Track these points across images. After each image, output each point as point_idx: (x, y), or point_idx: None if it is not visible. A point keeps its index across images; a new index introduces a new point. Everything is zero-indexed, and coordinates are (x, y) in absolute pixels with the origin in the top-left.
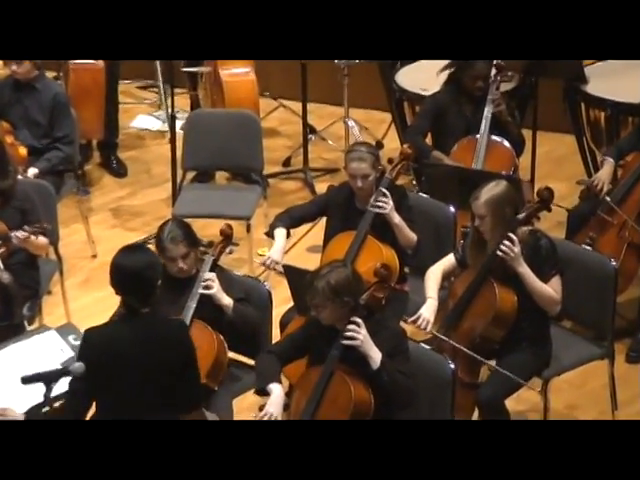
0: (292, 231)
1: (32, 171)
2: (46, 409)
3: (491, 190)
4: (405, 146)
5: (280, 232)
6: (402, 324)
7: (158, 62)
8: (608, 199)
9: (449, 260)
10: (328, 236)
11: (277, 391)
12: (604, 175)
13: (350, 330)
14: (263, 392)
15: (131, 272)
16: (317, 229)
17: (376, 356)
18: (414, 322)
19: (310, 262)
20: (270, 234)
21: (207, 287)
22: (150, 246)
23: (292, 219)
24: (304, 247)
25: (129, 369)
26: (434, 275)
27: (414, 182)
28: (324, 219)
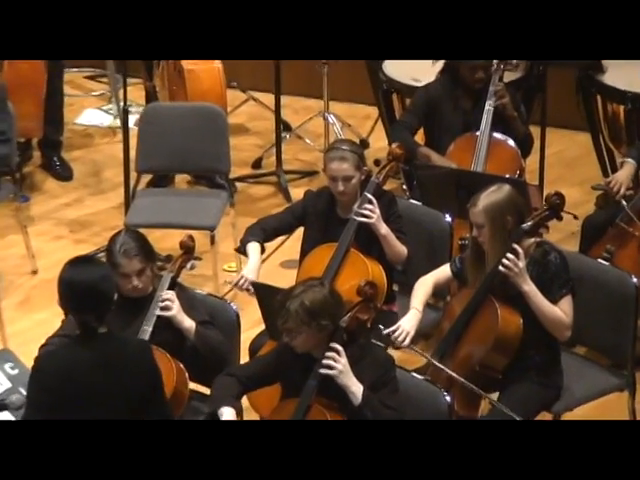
0: (266, 245)
1: None
2: None
3: (491, 195)
4: (394, 145)
5: (254, 247)
6: (391, 350)
7: None
8: (626, 205)
9: (444, 271)
10: (305, 249)
11: (227, 416)
12: (622, 176)
13: (328, 358)
14: (213, 418)
15: (86, 287)
16: (292, 241)
17: (357, 390)
18: (390, 335)
19: (284, 279)
20: (241, 250)
21: (165, 308)
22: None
23: (265, 232)
24: (277, 262)
25: (91, 397)
26: (423, 285)
27: (404, 187)
28: (301, 229)
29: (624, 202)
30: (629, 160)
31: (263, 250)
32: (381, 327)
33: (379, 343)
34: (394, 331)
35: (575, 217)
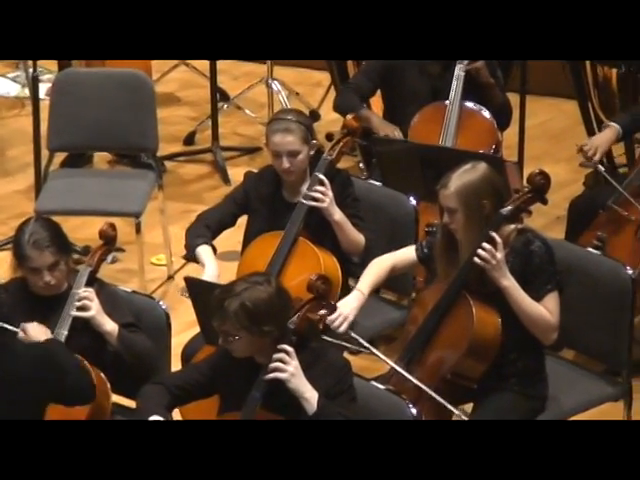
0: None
1: None
2: None
3: (464, 175)
4: (349, 117)
5: (206, 251)
6: (348, 355)
7: None
8: (605, 173)
9: (407, 254)
10: (249, 239)
11: None
12: (599, 139)
13: (277, 360)
14: None
15: None
16: (233, 229)
17: (312, 397)
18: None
19: (224, 274)
20: (190, 257)
21: (83, 308)
22: (6, 253)
23: (211, 229)
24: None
25: None
26: (377, 266)
27: (361, 165)
28: (242, 216)
29: (601, 168)
30: (613, 124)
31: (215, 251)
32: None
33: (334, 340)
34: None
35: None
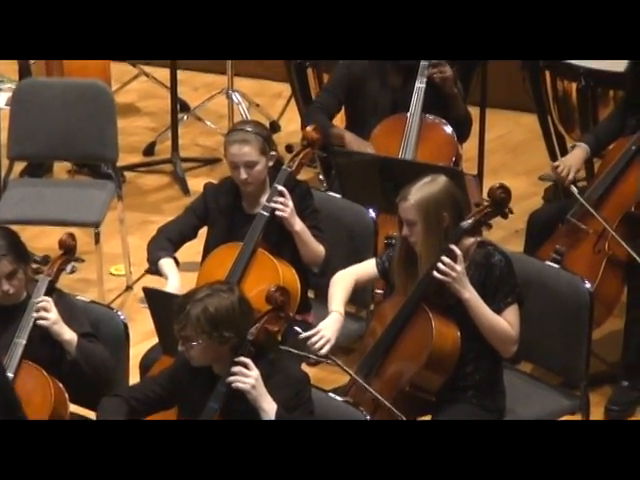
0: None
1: None
2: None
3: (424, 188)
4: (309, 128)
5: (168, 264)
6: (305, 366)
7: None
8: (578, 194)
9: (368, 267)
10: (208, 250)
11: None
12: (571, 159)
13: (237, 371)
14: None
15: None
16: (194, 240)
17: (270, 409)
18: (307, 340)
19: (184, 284)
20: (153, 270)
21: (41, 317)
22: None
23: (172, 242)
24: None
25: None
26: (343, 282)
27: (321, 177)
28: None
29: (574, 188)
30: (581, 144)
31: (177, 264)
32: (298, 329)
33: (294, 351)
34: (312, 336)
35: (510, 211)
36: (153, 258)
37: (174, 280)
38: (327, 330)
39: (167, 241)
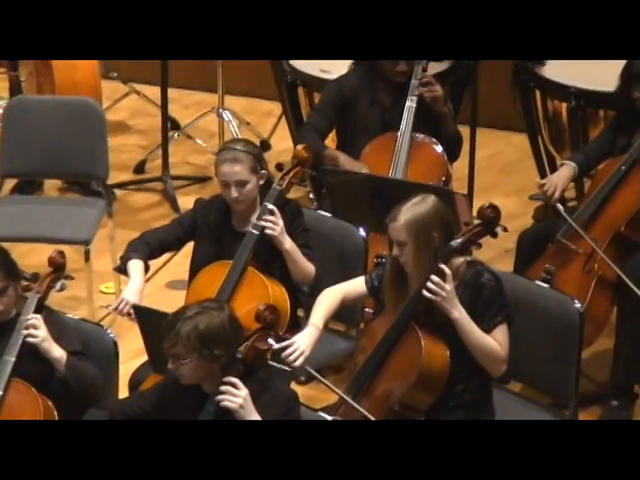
0: (150, 262)
1: None
2: None
3: (414, 208)
4: (299, 147)
5: (136, 265)
6: (294, 385)
7: None
8: (564, 213)
9: (357, 285)
10: (195, 267)
11: None
12: (558, 177)
13: (224, 392)
14: None
15: None
16: (180, 258)
17: None
18: (281, 352)
19: (170, 302)
20: (121, 269)
21: (30, 335)
22: None
23: (150, 247)
24: (163, 282)
25: None
26: (328, 298)
27: (311, 195)
28: (190, 245)
29: (560, 207)
30: (569, 162)
31: (147, 268)
32: (271, 342)
33: (279, 365)
34: (286, 347)
35: (505, 229)
36: (125, 257)
37: (136, 282)
38: (302, 342)
39: (145, 245)
